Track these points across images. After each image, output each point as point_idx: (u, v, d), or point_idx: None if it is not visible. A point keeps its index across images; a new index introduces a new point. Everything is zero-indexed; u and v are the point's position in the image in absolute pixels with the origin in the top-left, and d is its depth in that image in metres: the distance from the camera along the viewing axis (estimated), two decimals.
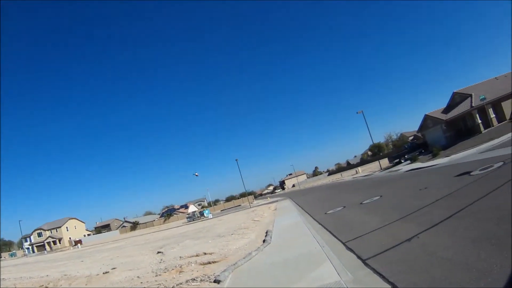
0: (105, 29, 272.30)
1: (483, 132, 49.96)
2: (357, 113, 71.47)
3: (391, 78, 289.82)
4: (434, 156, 46.93)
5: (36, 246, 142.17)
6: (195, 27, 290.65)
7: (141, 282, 15.80)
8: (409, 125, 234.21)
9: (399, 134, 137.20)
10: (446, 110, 58.86)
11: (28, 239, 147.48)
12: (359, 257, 10.55)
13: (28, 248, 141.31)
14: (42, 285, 22.36)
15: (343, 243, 13.28)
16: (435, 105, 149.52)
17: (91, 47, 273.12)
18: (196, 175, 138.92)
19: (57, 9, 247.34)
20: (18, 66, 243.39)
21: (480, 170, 19.64)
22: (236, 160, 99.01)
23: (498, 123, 50.77)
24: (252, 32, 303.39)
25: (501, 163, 19.50)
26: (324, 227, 19.05)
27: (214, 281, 12.06)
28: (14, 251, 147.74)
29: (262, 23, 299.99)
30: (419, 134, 77.84)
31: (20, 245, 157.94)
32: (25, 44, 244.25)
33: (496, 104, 51.57)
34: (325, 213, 25.29)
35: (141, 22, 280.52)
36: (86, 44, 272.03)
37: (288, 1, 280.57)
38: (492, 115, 51.55)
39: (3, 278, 31.86)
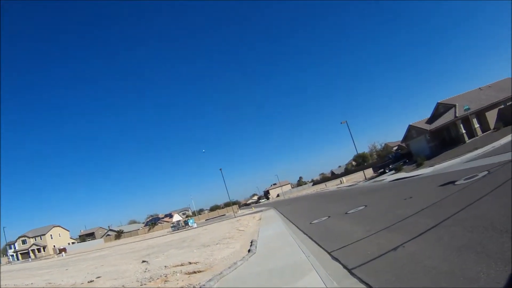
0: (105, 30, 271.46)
1: (467, 142, 50.44)
2: (341, 123, 71.84)
3: (375, 88, 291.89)
4: (419, 166, 47.30)
5: (20, 254, 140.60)
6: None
7: None
8: (393, 135, 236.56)
9: (383, 144, 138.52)
10: (430, 120, 59.36)
11: (12, 246, 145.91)
12: (345, 267, 10.52)
13: (12, 256, 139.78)
14: None
15: (329, 253, 13.25)
16: (419, 116, 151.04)
17: (87, 49, 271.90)
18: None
19: (56, 8, 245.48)
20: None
21: (465, 180, 19.80)
22: (220, 169, 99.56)
23: (482, 133, 51.33)
24: (235, 37, 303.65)
25: (485, 173, 19.69)
26: (309, 237, 19.05)
27: None
28: None
29: (244, 28, 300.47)
30: (403, 144, 78.45)
31: (4, 252, 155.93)
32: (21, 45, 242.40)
33: (480, 114, 52.19)
34: (310, 223, 25.31)
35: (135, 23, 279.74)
36: (82, 46, 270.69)
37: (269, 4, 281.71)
38: (476, 125, 52.13)
39: None
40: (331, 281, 9.45)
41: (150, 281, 16.83)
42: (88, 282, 21.66)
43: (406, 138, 66.40)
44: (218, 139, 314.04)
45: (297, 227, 25.98)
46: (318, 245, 15.90)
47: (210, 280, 13.06)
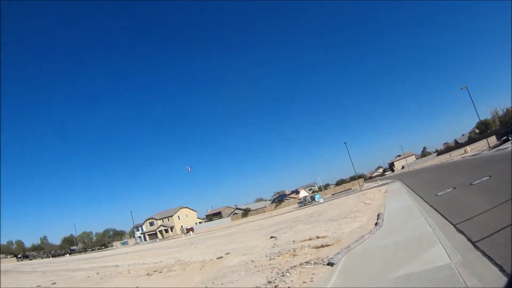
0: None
1: None
2: (461, 88, 69.15)
3: (492, 48, 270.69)
4: None
5: (147, 235, 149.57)
6: None
7: (255, 266, 16.60)
8: None
9: (505, 109, 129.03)
10: None
11: (139, 228, 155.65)
12: (469, 239, 10.62)
13: (139, 237, 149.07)
14: (156, 270, 23.88)
15: (454, 225, 13.28)
16: None
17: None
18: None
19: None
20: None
21: None
22: (345, 143, 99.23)
23: None
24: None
25: None
26: (435, 209, 18.91)
27: (328, 264, 12.57)
28: (125, 240, 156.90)
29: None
30: None
31: (132, 234, 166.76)
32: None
33: None
34: (435, 195, 24.91)
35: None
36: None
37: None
38: None
39: (116, 265, 34.01)
40: (455, 253, 9.72)
41: (278, 256, 17.55)
42: (217, 258, 22.83)
43: None
44: (341, 112, 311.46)
45: (422, 199, 25.71)
46: (444, 217, 15.87)
47: (338, 253, 13.65)
